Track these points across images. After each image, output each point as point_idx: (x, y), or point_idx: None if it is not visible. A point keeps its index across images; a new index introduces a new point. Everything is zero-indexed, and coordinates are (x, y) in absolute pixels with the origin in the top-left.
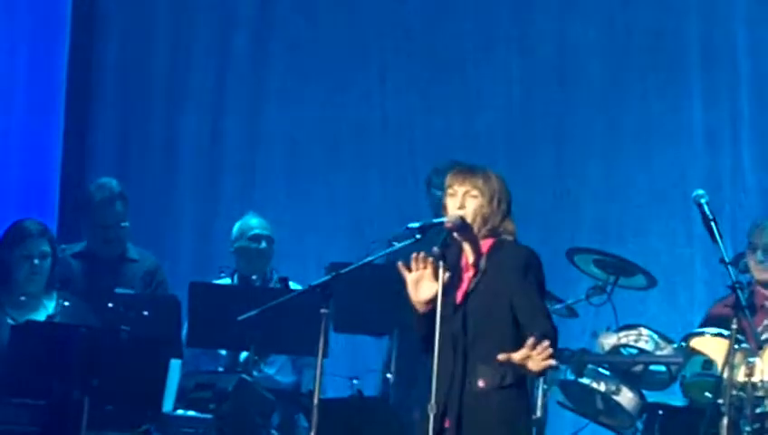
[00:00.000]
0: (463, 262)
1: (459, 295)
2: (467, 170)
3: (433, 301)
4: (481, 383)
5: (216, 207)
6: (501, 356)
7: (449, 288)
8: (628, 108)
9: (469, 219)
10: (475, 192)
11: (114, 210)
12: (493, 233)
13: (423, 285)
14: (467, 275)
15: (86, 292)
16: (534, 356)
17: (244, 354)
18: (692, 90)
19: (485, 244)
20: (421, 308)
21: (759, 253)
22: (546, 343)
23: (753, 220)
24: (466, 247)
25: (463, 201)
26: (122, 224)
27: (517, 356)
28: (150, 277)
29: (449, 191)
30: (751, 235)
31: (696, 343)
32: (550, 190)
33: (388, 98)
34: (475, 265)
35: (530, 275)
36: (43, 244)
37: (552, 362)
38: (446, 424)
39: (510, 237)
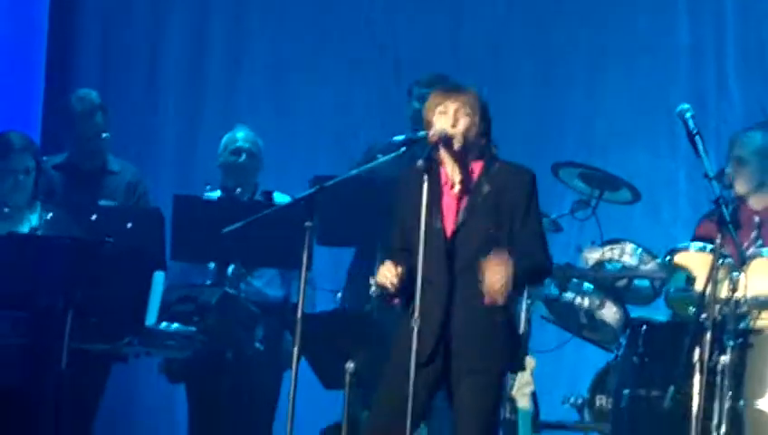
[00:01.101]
0: (443, 179)
1: (452, 217)
2: (457, 87)
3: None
4: (487, 299)
5: (200, 119)
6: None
7: (431, 206)
8: (612, 20)
9: (461, 137)
10: (467, 109)
11: (94, 121)
12: (480, 153)
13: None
14: (454, 194)
15: (67, 204)
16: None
17: (231, 267)
18: (678, 2)
19: (476, 165)
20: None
21: (732, 165)
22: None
23: (734, 133)
24: (453, 167)
25: (455, 119)
26: (102, 135)
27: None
28: (132, 189)
29: (440, 109)
30: (729, 149)
31: (680, 258)
32: (535, 104)
33: (374, 10)
34: (466, 185)
35: (533, 202)
36: (27, 159)
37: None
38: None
39: (496, 159)
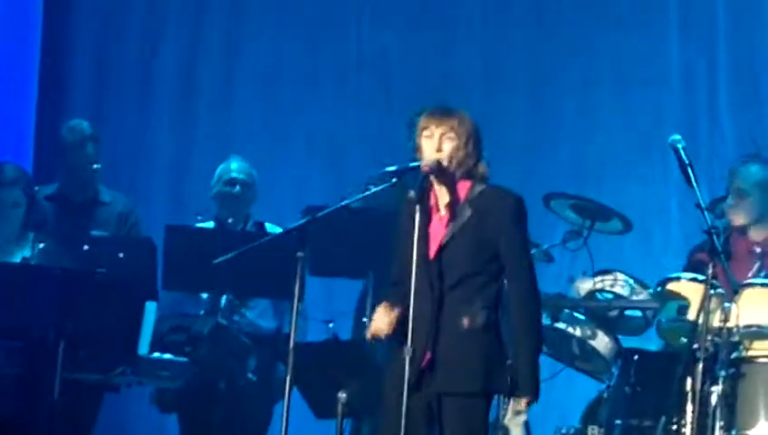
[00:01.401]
0: (432, 203)
1: (437, 240)
2: (444, 111)
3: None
4: (465, 323)
5: (192, 148)
6: None
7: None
8: (604, 50)
9: (446, 162)
10: (451, 134)
11: (85, 152)
12: (468, 176)
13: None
14: (441, 218)
15: (59, 234)
16: None
17: (225, 298)
18: (669, 32)
19: (462, 188)
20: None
21: (732, 197)
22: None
23: (732, 164)
24: (441, 191)
25: (440, 143)
26: (94, 166)
27: None
28: (124, 219)
29: (425, 133)
30: (727, 179)
31: (671, 287)
32: (526, 133)
33: (365, 37)
34: (452, 209)
35: (519, 226)
36: (17, 192)
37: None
38: (424, 364)
39: (484, 182)
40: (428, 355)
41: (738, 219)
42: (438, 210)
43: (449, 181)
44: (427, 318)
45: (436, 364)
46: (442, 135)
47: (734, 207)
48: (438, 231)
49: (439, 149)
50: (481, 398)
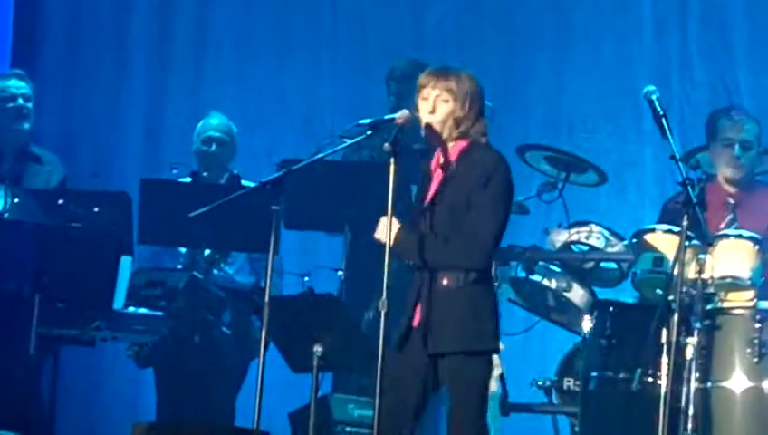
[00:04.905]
0: (432, 165)
1: (428, 198)
2: (440, 73)
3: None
4: (445, 281)
5: (166, 104)
6: None
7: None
8: (577, 1)
9: (438, 125)
10: (446, 96)
11: (10, 86)
12: (465, 135)
13: None
14: (437, 176)
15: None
16: None
17: (206, 253)
18: None
19: (458, 146)
20: None
21: (737, 147)
22: None
23: (727, 115)
24: (439, 152)
25: (434, 105)
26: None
27: None
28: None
29: (423, 93)
30: (724, 130)
31: (647, 239)
32: (500, 86)
33: None
34: (444, 167)
35: (491, 183)
36: None
37: None
38: (415, 323)
39: (483, 139)
40: (418, 314)
41: (738, 172)
42: (435, 170)
43: (442, 142)
44: (416, 277)
45: (424, 325)
46: (437, 97)
47: (737, 159)
48: (431, 190)
49: (432, 112)
50: (472, 356)
